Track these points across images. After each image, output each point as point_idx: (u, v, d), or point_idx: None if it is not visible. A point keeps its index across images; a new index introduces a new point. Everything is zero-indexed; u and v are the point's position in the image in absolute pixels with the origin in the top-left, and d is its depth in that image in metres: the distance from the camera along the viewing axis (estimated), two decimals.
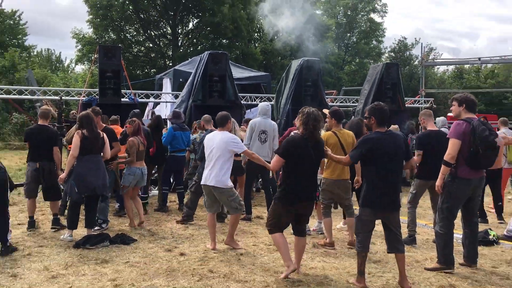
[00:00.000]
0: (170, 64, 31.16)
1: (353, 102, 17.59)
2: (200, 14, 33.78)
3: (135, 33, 35.63)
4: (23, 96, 15.04)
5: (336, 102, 17.67)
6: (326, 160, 6.33)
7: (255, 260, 6.07)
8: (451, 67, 41.80)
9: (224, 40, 33.79)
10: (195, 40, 35.58)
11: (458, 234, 6.25)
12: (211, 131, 8.09)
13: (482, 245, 6.97)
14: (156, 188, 10.66)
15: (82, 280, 5.24)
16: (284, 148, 5.38)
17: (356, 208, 5.90)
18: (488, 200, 9.65)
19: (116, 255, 6.22)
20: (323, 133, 7.17)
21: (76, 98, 14.51)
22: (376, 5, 44.37)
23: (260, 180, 10.41)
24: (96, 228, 7.41)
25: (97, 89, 12.50)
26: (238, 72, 17.70)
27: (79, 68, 41.63)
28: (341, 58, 41.61)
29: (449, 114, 20.58)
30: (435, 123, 7.91)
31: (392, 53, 41.77)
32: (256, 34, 37.95)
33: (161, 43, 36.09)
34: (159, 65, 33.56)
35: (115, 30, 33.36)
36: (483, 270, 5.87)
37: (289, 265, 5.33)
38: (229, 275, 5.45)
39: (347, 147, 6.67)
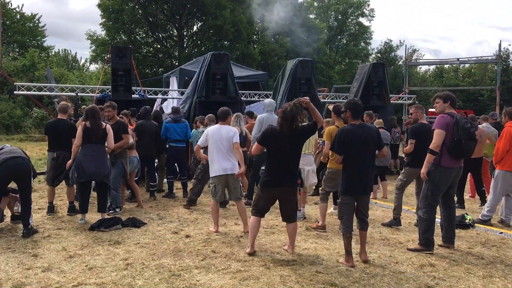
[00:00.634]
0: (176, 63, 31.04)
1: (343, 99, 17.55)
2: (203, 17, 33.61)
3: (144, 35, 35.47)
4: (42, 93, 15.00)
5: (327, 99, 17.64)
6: (331, 152, 6.24)
7: (254, 241, 6.06)
8: (432, 67, 41.79)
9: (226, 42, 33.66)
10: (199, 42, 35.44)
11: (437, 218, 6.27)
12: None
13: (459, 228, 7.00)
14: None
15: (96, 260, 5.25)
16: (261, 137, 5.51)
17: None
18: (466, 188, 9.65)
19: (127, 237, 6.23)
20: (326, 129, 7.18)
21: (90, 94, 14.47)
22: (364, 10, 44.26)
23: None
24: (110, 212, 7.46)
25: (110, 86, 12.45)
26: (238, 71, 17.66)
27: (93, 67, 41.59)
28: (332, 58, 41.49)
29: (430, 109, 20.64)
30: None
31: (378, 54, 41.64)
32: (255, 36, 37.86)
33: (168, 44, 35.94)
34: (166, 65, 33.45)
35: (126, 32, 33.20)
36: (460, 251, 5.89)
37: (249, 248, 5.54)
38: (230, 255, 5.46)
39: None
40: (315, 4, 44.89)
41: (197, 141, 9.24)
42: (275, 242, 6.03)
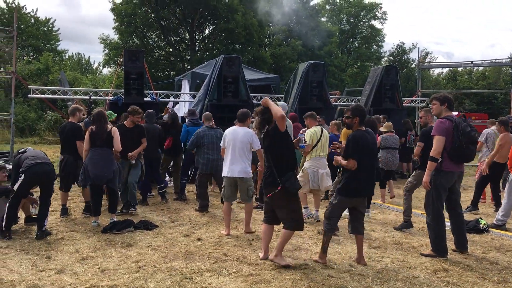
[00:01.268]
0: (188, 67, 31.15)
1: (355, 102, 17.46)
2: (215, 21, 33.72)
3: (156, 39, 35.67)
4: (56, 96, 15.13)
5: (339, 102, 17.56)
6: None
7: None
8: (445, 70, 41.36)
9: (237, 45, 33.72)
10: (211, 45, 35.55)
11: (449, 222, 6.20)
12: (207, 126, 8.21)
13: (474, 233, 6.93)
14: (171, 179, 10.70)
15: (109, 262, 5.27)
16: None
17: None
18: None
19: (139, 239, 6.25)
20: (343, 131, 7.15)
21: (103, 97, 14.57)
22: (376, 13, 44.01)
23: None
24: (131, 209, 7.72)
25: (123, 90, 12.53)
26: (250, 74, 17.66)
27: (106, 71, 41.89)
28: (344, 61, 41.34)
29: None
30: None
31: (391, 57, 41.42)
32: (266, 40, 37.87)
33: (180, 48, 36.11)
34: (178, 68, 33.59)
35: (139, 36, 33.43)
36: (475, 256, 5.82)
37: (261, 253, 5.48)
38: (242, 258, 5.46)
39: None
40: (327, 7, 44.77)
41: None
42: (286, 245, 6.00)
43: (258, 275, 4.85)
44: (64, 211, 7.57)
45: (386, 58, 43.01)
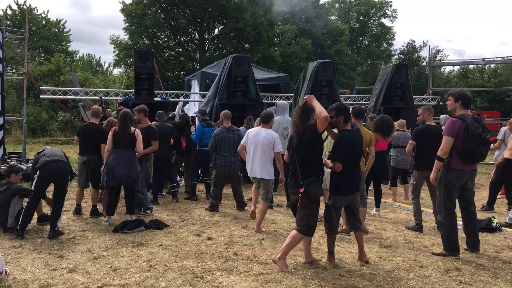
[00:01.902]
0: (198, 66, 31.23)
1: (365, 101, 17.39)
2: (224, 21, 33.77)
3: (166, 39, 35.80)
4: (67, 97, 15.25)
5: (349, 101, 17.49)
6: None
7: (276, 244, 6.06)
8: (456, 68, 40.99)
9: (247, 45, 33.72)
10: (220, 45, 35.60)
11: (461, 221, 6.14)
12: (226, 127, 8.17)
13: (486, 231, 6.86)
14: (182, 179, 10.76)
15: (120, 261, 5.31)
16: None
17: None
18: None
19: (150, 238, 6.29)
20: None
21: (114, 98, 14.65)
22: (386, 11, 43.80)
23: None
24: (141, 213, 7.65)
25: (133, 90, 12.60)
26: (259, 74, 17.67)
27: (117, 71, 42.23)
28: (354, 60, 41.17)
29: None
30: (435, 118, 7.82)
31: (401, 55, 41.14)
32: (275, 39, 37.82)
33: (189, 48, 36.20)
34: (188, 68, 33.67)
35: (149, 36, 33.58)
36: (487, 255, 5.76)
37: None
38: (252, 257, 5.46)
39: (365, 143, 6.62)
40: (336, 5, 44.64)
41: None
42: (296, 245, 5.99)
43: (269, 274, 4.85)
44: (78, 210, 7.67)
45: (396, 56, 42.76)
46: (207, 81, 17.08)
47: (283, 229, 6.87)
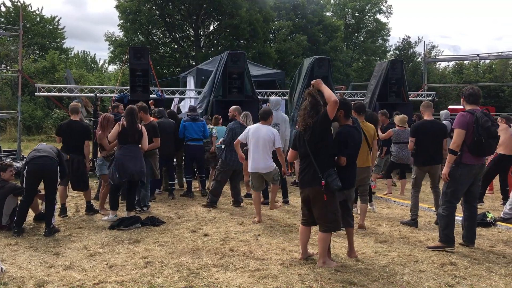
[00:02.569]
0: (193, 63, 31.17)
1: (360, 96, 17.41)
2: (220, 17, 33.68)
3: (161, 35, 35.68)
4: (62, 94, 15.19)
5: (345, 97, 17.50)
6: None
7: (272, 240, 6.08)
8: (451, 63, 41.06)
9: (242, 41, 33.64)
10: (215, 41, 35.52)
11: (458, 216, 6.19)
12: (239, 122, 8.18)
13: (481, 226, 6.90)
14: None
15: (117, 258, 5.31)
16: (292, 142, 5.49)
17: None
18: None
19: (146, 235, 6.29)
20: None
21: (109, 95, 14.61)
22: (382, 7, 43.79)
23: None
24: (138, 210, 7.65)
25: (128, 87, 12.57)
26: (255, 70, 17.65)
27: (112, 68, 41.96)
28: (349, 56, 41.19)
29: (450, 106, 20.35)
30: (435, 114, 7.88)
31: (396, 51, 41.14)
32: (271, 35, 37.77)
33: (185, 44, 36.11)
34: (183, 64, 33.60)
35: (144, 33, 33.46)
36: (481, 249, 5.81)
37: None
38: (248, 253, 5.48)
39: (370, 138, 6.66)
40: (332, 1, 44.59)
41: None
42: (293, 240, 6.03)
43: (265, 270, 4.87)
44: (63, 211, 7.44)
45: (391, 52, 42.78)
46: (203, 77, 17.04)
47: (279, 225, 6.90)
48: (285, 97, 14.42)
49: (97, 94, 13.70)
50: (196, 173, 10.10)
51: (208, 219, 7.32)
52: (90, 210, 7.58)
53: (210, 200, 8.19)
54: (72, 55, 43.57)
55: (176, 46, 35.80)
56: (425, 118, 7.11)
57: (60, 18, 38.56)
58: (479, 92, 5.78)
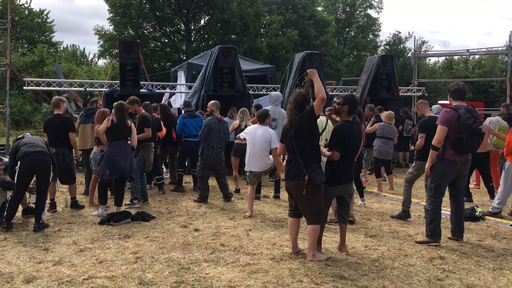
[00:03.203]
0: (184, 57, 31.01)
1: (351, 92, 17.47)
2: (211, 11, 33.51)
3: (151, 29, 35.42)
4: (51, 88, 15.05)
5: (335, 92, 17.54)
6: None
7: (263, 235, 6.09)
8: (441, 59, 41.36)
9: (233, 35, 33.53)
10: (206, 36, 35.36)
11: (447, 210, 6.25)
12: (217, 117, 8.20)
13: (469, 220, 6.98)
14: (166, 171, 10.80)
15: (107, 253, 5.29)
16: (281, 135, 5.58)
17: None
18: (471, 180, 9.58)
19: (137, 230, 6.27)
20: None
21: (99, 89, 14.50)
22: (372, 2, 43.81)
23: None
24: (127, 204, 7.65)
25: (118, 81, 12.48)
26: (246, 65, 17.59)
27: (102, 62, 41.63)
28: (340, 51, 41.24)
29: (440, 101, 20.50)
30: (431, 109, 7.96)
31: (387, 46, 41.29)
32: (262, 30, 37.68)
33: (175, 39, 35.89)
34: (174, 59, 33.41)
35: (134, 27, 33.19)
36: (470, 243, 5.86)
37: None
38: (239, 248, 5.48)
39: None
40: None
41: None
42: (283, 235, 6.04)
43: (256, 265, 4.88)
44: (53, 206, 7.41)
45: (382, 48, 42.90)
46: (194, 72, 16.96)
47: (270, 220, 6.91)
48: (275, 92, 14.37)
49: (87, 89, 13.60)
50: (187, 168, 10.08)
51: (199, 214, 7.31)
52: (75, 206, 7.52)
53: (200, 196, 8.19)
54: (61, 49, 43.11)
55: (166, 40, 35.59)
56: (428, 114, 7.26)
57: (49, 11, 38.18)
58: (465, 87, 5.83)
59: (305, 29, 36.05)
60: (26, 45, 35.68)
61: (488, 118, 9.92)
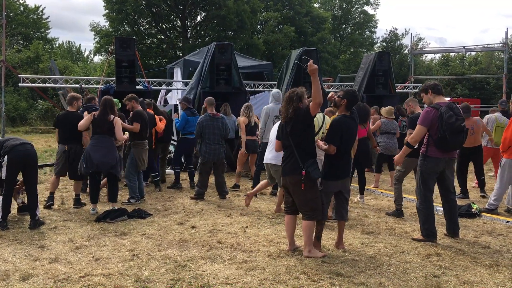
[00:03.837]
0: (180, 54, 30.94)
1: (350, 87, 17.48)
2: (207, 8, 33.44)
3: (148, 26, 35.33)
4: (47, 85, 14.99)
5: (332, 88, 17.54)
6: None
7: (259, 232, 6.09)
8: (438, 55, 41.49)
9: (230, 32, 33.48)
10: (202, 32, 35.29)
11: (441, 207, 6.25)
12: (210, 114, 8.20)
13: (466, 217, 7.00)
14: (170, 168, 10.75)
15: (103, 251, 5.27)
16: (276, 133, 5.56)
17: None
18: (471, 177, 9.62)
19: (133, 228, 6.26)
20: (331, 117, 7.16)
21: (95, 86, 14.45)
22: None
23: None
24: (124, 202, 7.61)
25: (114, 78, 12.44)
26: (242, 62, 17.55)
27: (97, 59, 41.62)
28: (337, 47, 41.23)
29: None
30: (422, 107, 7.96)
31: (384, 43, 41.35)
32: (258, 26, 37.63)
33: (171, 35, 35.82)
34: (170, 56, 33.32)
35: (130, 23, 33.09)
36: (467, 240, 5.88)
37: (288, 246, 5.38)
38: (236, 245, 5.48)
39: None
40: None
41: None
42: (280, 232, 6.04)
43: (252, 262, 4.88)
44: (51, 199, 7.44)
45: (379, 44, 42.98)
46: (190, 69, 16.91)
47: (267, 217, 6.91)
48: (276, 89, 14.37)
49: (82, 85, 13.54)
50: (184, 164, 10.05)
51: (195, 211, 7.30)
52: (78, 203, 7.50)
53: (197, 192, 8.18)
54: (57, 45, 43.00)
55: (163, 37, 35.49)
56: (417, 111, 7.39)
57: (45, 7, 38.12)
58: (437, 82, 5.92)
59: (301, 26, 36.02)
60: (21, 42, 35.57)
61: (487, 115, 9.95)
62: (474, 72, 35.39)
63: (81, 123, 7.10)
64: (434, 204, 5.91)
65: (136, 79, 12.51)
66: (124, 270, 4.66)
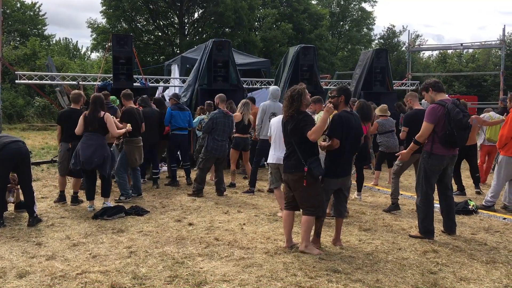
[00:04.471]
0: (178, 51, 30.87)
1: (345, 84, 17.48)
2: (204, 4, 33.34)
3: (145, 22, 35.22)
4: (43, 82, 14.94)
5: (330, 86, 17.54)
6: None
7: (257, 229, 6.09)
8: (435, 52, 41.49)
9: (227, 29, 33.42)
10: (200, 29, 35.20)
11: (438, 204, 6.26)
12: (223, 111, 8.20)
13: (463, 214, 7.02)
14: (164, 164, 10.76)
15: (100, 248, 5.27)
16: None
17: None
18: (467, 174, 9.63)
19: (131, 225, 6.25)
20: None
21: (92, 83, 14.42)
22: None
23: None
24: (115, 199, 7.57)
25: (111, 75, 12.41)
26: (240, 58, 17.55)
27: (94, 56, 41.43)
28: (334, 44, 41.21)
29: None
30: (420, 103, 7.96)
31: (381, 40, 41.34)
32: (256, 23, 37.56)
33: (169, 32, 35.72)
34: (167, 52, 33.26)
35: (127, 20, 33.00)
36: (463, 237, 5.89)
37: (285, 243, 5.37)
38: (233, 242, 5.48)
39: None
40: None
41: (201, 125, 9.43)
42: (278, 229, 6.05)
43: (250, 259, 4.88)
44: (62, 198, 7.48)
45: (376, 41, 42.95)
46: (187, 66, 16.89)
47: (264, 214, 6.91)
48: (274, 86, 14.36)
49: (80, 82, 13.50)
50: (181, 162, 10.05)
51: (192, 208, 7.30)
52: (75, 201, 7.47)
53: (196, 188, 8.17)
54: (54, 42, 42.85)
55: (160, 34, 35.41)
56: (415, 107, 7.26)
57: (41, 4, 37.95)
58: (437, 79, 5.91)
59: (299, 23, 35.98)
60: (18, 38, 35.45)
61: (481, 115, 9.97)
62: (471, 69, 35.46)
63: (76, 129, 7.01)
64: None
65: (133, 76, 12.49)
66: (122, 267, 4.66)
